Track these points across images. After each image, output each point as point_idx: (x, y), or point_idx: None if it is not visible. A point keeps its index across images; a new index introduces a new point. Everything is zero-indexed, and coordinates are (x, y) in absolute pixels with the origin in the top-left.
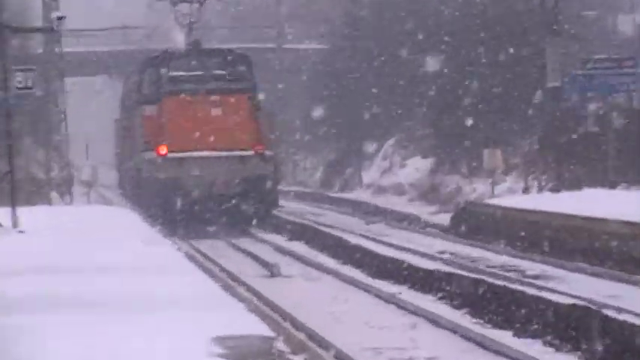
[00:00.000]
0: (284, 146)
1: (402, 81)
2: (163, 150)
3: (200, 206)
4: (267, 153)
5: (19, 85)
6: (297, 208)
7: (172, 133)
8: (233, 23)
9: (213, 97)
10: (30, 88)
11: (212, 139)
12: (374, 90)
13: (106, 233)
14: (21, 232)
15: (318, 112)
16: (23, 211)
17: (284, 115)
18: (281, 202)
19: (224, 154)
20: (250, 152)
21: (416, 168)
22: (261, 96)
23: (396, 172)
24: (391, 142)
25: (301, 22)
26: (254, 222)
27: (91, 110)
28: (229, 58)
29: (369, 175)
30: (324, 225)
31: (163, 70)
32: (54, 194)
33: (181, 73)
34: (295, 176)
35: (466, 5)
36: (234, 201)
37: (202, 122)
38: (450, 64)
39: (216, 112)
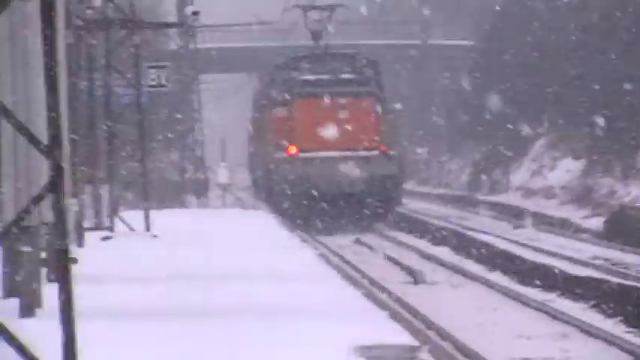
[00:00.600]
0: (428, 147)
1: (555, 79)
2: (293, 150)
3: (328, 203)
4: (391, 153)
5: (152, 83)
6: (442, 212)
7: (302, 134)
8: (376, 18)
9: (341, 100)
10: (163, 86)
11: (339, 139)
12: (524, 87)
13: (242, 238)
14: (154, 236)
15: (464, 112)
16: (157, 215)
17: (427, 114)
18: (425, 205)
19: (350, 153)
20: (375, 152)
21: (567, 170)
22: (390, 100)
23: (546, 174)
24: (541, 142)
25: (448, 17)
26: (381, 220)
27: (227, 109)
28: (357, 62)
29: (518, 177)
30: (470, 229)
31: (294, 74)
32: (188, 197)
33: (311, 77)
34: (440, 178)
35: None
36: (359, 198)
37: (330, 124)
38: (607, 59)
39: (343, 114)
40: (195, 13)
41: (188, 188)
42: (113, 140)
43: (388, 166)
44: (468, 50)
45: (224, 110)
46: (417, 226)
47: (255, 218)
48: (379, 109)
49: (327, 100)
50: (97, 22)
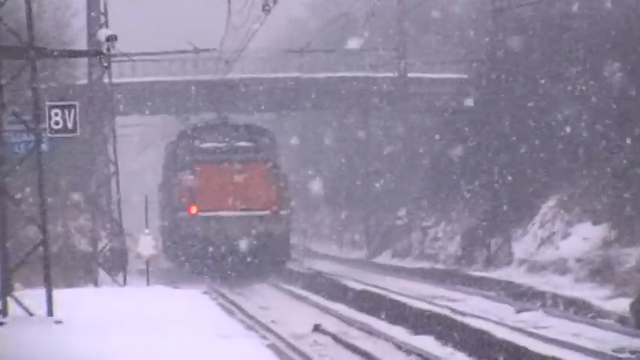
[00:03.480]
0: (407, 208)
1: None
2: (194, 210)
3: (225, 257)
4: (282, 212)
5: (56, 127)
6: (426, 291)
7: (201, 196)
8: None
9: (237, 166)
10: (72, 131)
11: (234, 201)
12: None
13: (172, 327)
14: (58, 322)
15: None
16: (62, 295)
17: (409, 169)
18: (408, 283)
19: (244, 213)
20: (267, 212)
21: (584, 238)
22: (284, 159)
23: (558, 243)
24: (551, 203)
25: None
26: (274, 272)
27: (153, 160)
28: (253, 131)
29: (522, 247)
30: (463, 314)
31: (196, 142)
32: (102, 272)
33: (210, 145)
34: (423, 248)
35: None
36: (252, 253)
37: (227, 187)
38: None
39: (238, 178)
40: (110, 39)
41: (101, 261)
42: (5, 200)
43: (278, 224)
44: (457, 85)
45: (149, 161)
46: (395, 309)
47: (185, 298)
48: (271, 173)
49: (224, 165)
50: None
